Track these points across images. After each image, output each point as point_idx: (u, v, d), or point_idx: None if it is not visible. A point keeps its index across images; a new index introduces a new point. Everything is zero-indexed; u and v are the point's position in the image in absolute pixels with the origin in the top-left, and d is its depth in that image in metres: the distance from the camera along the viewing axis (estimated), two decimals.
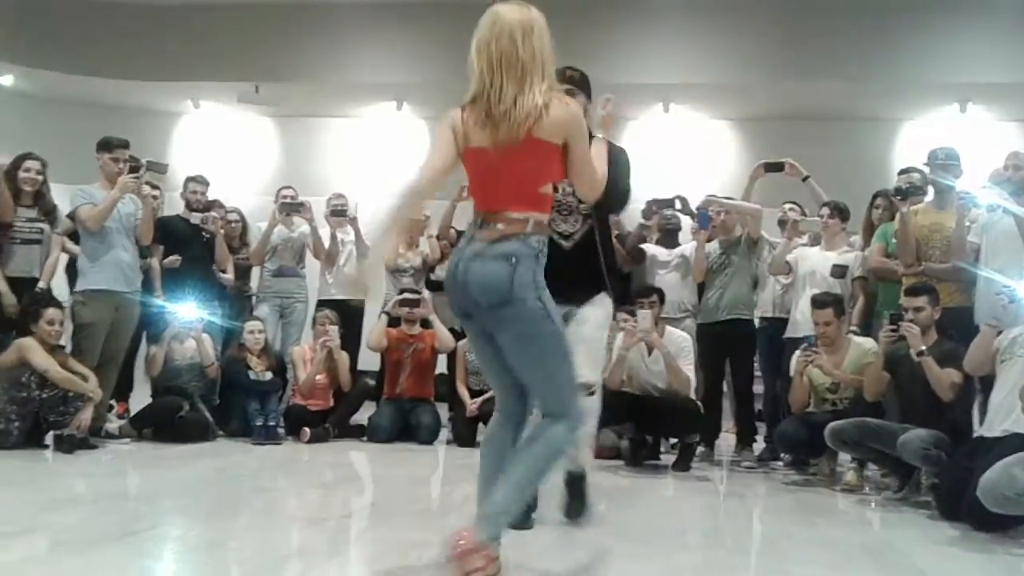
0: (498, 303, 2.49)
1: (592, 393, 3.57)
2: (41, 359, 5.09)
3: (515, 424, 2.71)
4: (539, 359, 2.56)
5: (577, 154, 2.60)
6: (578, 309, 3.55)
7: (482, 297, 2.51)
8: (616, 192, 3.56)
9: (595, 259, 3.64)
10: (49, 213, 5.84)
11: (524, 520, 3.28)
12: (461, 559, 2.36)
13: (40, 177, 5.76)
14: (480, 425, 6.40)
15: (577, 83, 3.59)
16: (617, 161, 3.56)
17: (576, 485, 3.60)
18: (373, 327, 6.70)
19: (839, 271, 5.71)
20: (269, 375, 6.26)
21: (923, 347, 4.52)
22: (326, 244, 7.04)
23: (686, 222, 6.55)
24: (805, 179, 6.18)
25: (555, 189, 3.51)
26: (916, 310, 4.69)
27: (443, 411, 6.63)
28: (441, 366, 6.98)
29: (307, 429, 6.01)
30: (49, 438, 5.23)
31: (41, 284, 5.72)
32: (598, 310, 3.59)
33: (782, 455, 5.79)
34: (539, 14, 2.61)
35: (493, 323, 2.55)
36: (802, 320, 5.65)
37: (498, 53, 2.54)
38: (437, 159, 2.62)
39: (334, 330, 6.37)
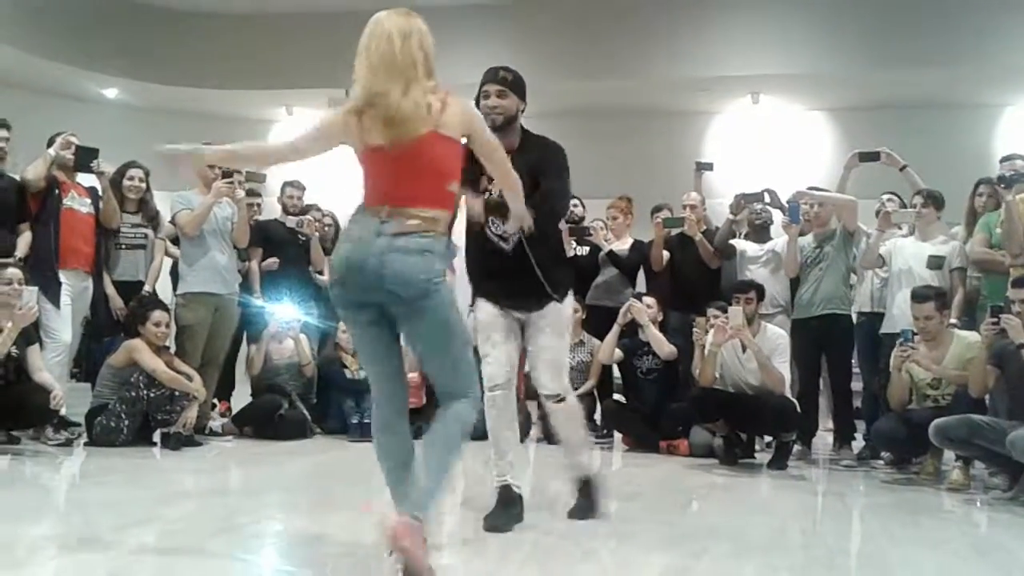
0: (416, 296, 2.56)
1: (561, 400, 3.66)
2: (149, 360, 5.28)
3: (398, 410, 2.79)
4: (449, 346, 2.67)
5: (489, 144, 2.74)
6: (530, 317, 3.63)
7: (402, 290, 2.55)
8: (550, 193, 3.61)
9: (541, 259, 3.61)
10: (153, 219, 6.07)
11: (507, 522, 3.44)
12: (401, 543, 2.43)
13: (143, 185, 6.00)
14: None
15: (510, 84, 3.60)
16: (551, 160, 3.66)
17: (586, 488, 3.71)
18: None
19: (936, 262, 5.51)
20: (364, 373, 6.36)
21: None
22: None
23: (777, 216, 6.42)
24: (903, 169, 6.01)
25: (488, 191, 3.57)
26: (1023, 302, 4.50)
27: (532, 409, 6.64)
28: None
29: None
30: (157, 436, 5.44)
31: (147, 287, 5.95)
32: (554, 317, 3.64)
33: (883, 454, 5.63)
34: (419, 20, 2.71)
35: (406, 313, 2.61)
36: (899, 315, 5.48)
37: (377, 55, 2.63)
38: (305, 139, 2.80)
39: None
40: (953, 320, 5.27)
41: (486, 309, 3.67)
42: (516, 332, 3.70)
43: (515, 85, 3.64)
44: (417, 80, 2.62)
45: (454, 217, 2.86)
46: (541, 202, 3.63)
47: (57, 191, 5.53)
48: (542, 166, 3.67)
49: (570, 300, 3.75)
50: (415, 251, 2.56)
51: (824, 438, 6.14)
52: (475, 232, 3.66)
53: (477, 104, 3.59)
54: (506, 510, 3.55)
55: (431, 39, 2.71)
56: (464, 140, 2.74)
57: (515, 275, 3.59)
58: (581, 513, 3.65)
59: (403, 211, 2.59)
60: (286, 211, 6.96)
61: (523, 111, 3.67)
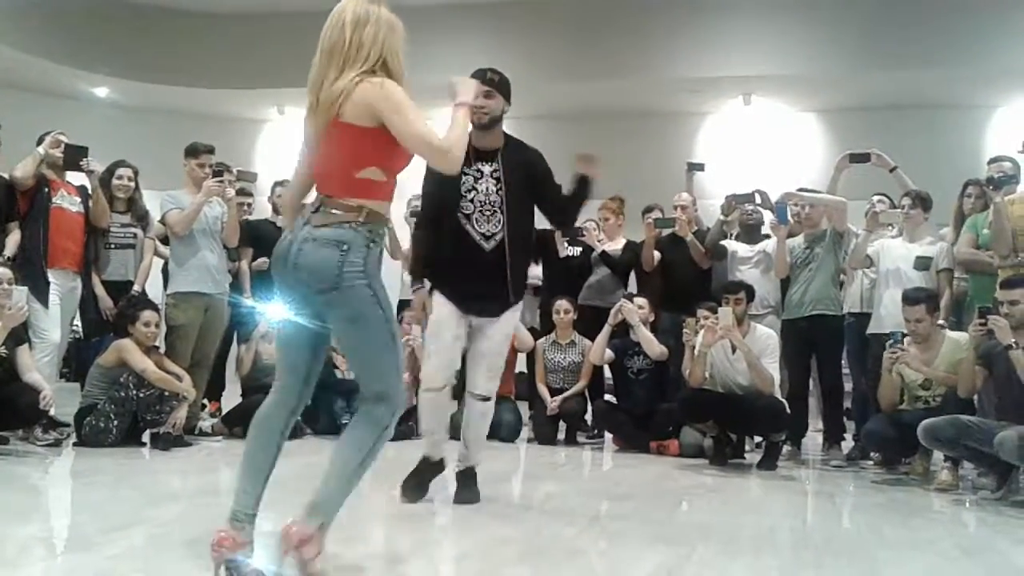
0: (327, 288, 2.51)
1: (488, 399, 3.86)
2: (139, 360, 5.26)
3: (290, 410, 2.76)
4: (365, 342, 2.59)
5: (396, 128, 2.53)
6: (484, 322, 3.77)
7: (311, 280, 2.52)
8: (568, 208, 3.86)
9: (517, 263, 3.76)
10: (142, 218, 6.06)
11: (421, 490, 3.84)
12: (299, 548, 2.48)
13: (132, 184, 5.99)
14: (560, 423, 6.42)
15: (496, 85, 3.70)
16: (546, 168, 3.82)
17: (467, 477, 3.96)
18: None
19: (923, 263, 5.54)
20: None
21: (1012, 340, 4.35)
22: (405, 245, 7.12)
23: (767, 217, 6.44)
24: (893, 170, 6.04)
25: (473, 189, 3.68)
26: (1012, 303, 4.53)
27: (523, 409, 6.66)
28: (520, 365, 7.00)
29: None
30: (146, 436, 5.42)
31: (136, 287, 5.93)
32: (505, 327, 3.82)
33: (872, 454, 5.65)
34: (383, 11, 2.66)
35: (320, 306, 2.58)
36: (886, 315, 5.50)
37: (328, 42, 2.63)
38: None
39: (417, 330, 6.44)
40: (940, 321, 5.30)
41: (443, 307, 3.75)
42: (464, 336, 3.82)
43: (501, 86, 3.73)
44: (355, 68, 2.56)
45: None
46: (558, 214, 3.89)
47: (46, 190, 5.51)
48: (539, 173, 3.78)
49: (517, 314, 3.94)
50: (327, 243, 2.50)
51: (814, 438, 6.16)
52: (453, 227, 3.70)
53: None
54: (469, 486, 3.88)
55: (391, 31, 2.66)
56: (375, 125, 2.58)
57: (486, 277, 3.68)
58: (469, 499, 3.86)
59: (328, 200, 2.56)
60: (276, 211, 6.94)
61: (507, 112, 3.76)
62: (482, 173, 3.73)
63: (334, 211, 2.53)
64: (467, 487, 3.93)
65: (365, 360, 2.63)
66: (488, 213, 3.70)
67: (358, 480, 2.63)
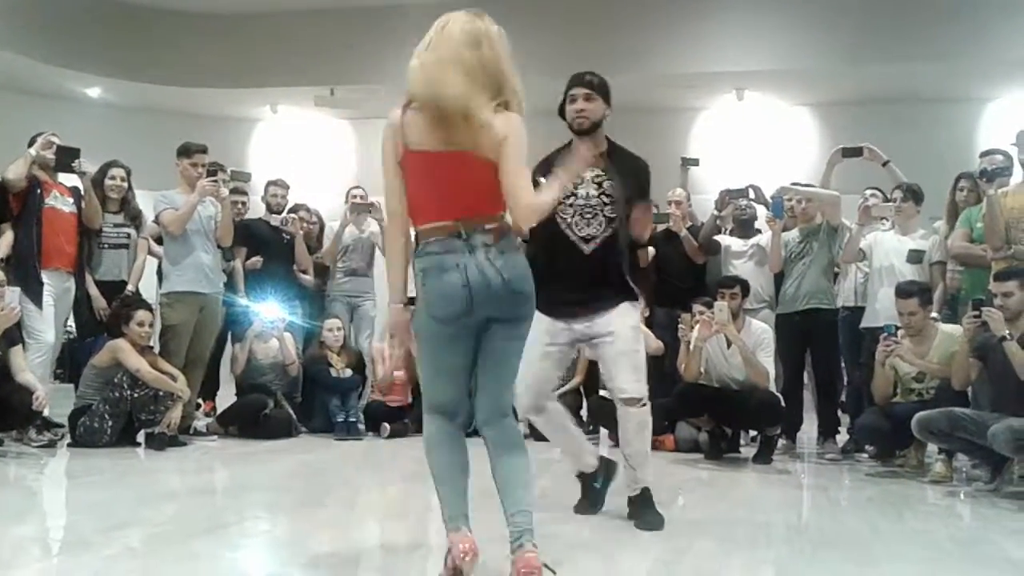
0: (530, 293, 2.51)
1: (641, 402, 3.55)
2: (133, 360, 5.26)
3: (462, 424, 2.64)
4: (518, 355, 2.60)
5: (510, 163, 2.47)
6: (600, 321, 3.51)
7: (526, 287, 2.50)
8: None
9: (616, 263, 3.58)
10: (135, 218, 6.05)
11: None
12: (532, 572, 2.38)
13: (125, 184, 5.98)
14: None
15: (596, 88, 3.60)
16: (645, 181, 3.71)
17: (643, 500, 3.60)
18: None
19: (915, 256, 5.55)
20: (349, 372, 6.37)
21: (1006, 332, 4.36)
22: None
23: (761, 211, 6.45)
24: (885, 164, 6.04)
25: (573, 195, 3.52)
26: (1005, 295, 4.53)
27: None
28: None
29: (387, 425, 6.10)
30: (141, 436, 5.42)
31: (130, 287, 5.92)
32: (627, 320, 3.55)
33: (866, 447, 5.66)
34: (492, 25, 2.58)
35: (510, 319, 2.52)
36: (880, 309, 5.51)
37: (452, 57, 2.49)
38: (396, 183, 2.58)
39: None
40: (934, 314, 5.31)
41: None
42: (558, 353, 3.67)
43: (601, 89, 3.61)
44: (483, 87, 2.49)
45: None
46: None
47: (39, 191, 5.50)
48: (640, 184, 3.68)
49: (635, 309, 3.72)
50: (514, 251, 2.52)
51: (809, 432, 6.17)
52: (550, 234, 3.48)
53: (562, 109, 3.59)
54: (647, 509, 3.57)
55: (504, 43, 2.58)
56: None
57: (593, 273, 3.56)
58: (653, 524, 3.49)
59: (475, 220, 2.48)
60: (270, 210, 6.94)
61: (608, 116, 3.63)
62: (583, 178, 3.55)
63: (487, 225, 2.49)
64: (646, 511, 3.54)
65: (510, 374, 2.60)
66: (588, 216, 3.54)
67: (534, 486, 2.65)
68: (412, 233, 2.59)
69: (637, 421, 3.56)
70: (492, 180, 2.49)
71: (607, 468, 3.76)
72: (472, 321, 2.51)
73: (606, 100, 3.62)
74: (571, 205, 3.55)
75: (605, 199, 3.55)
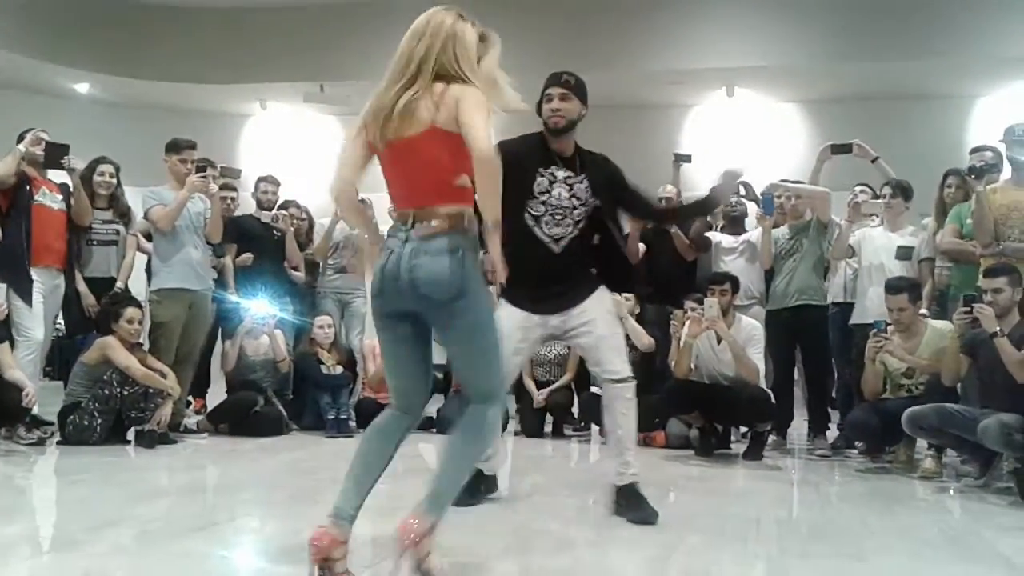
0: (451, 297, 2.48)
1: (630, 379, 3.63)
2: (122, 357, 5.24)
3: (410, 421, 2.71)
4: (482, 346, 2.59)
5: (472, 124, 2.47)
6: (574, 312, 3.59)
7: (435, 292, 2.48)
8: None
9: (585, 261, 3.67)
10: (124, 215, 6.02)
11: (471, 497, 3.56)
12: (416, 546, 2.45)
13: (114, 180, 5.95)
14: (547, 416, 6.42)
15: (573, 88, 3.64)
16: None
17: (632, 493, 3.59)
18: None
19: (904, 253, 5.58)
20: (340, 369, 6.36)
21: (997, 328, 4.38)
22: None
23: (751, 208, 6.46)
24: (874, 160, 6.07)
25: (547, 192, 3.58)
26: (995, 291, 4.55)
27: (509, 402, 6.66)
28: None
29: None
30: (130, 434, 5.40)
31: (119, 284, 5.90)
32: (601, 305, 3.63)
33: (856, 443, 5.68)
34: (461, 24, 2.62)
35: (442, 318, 2.54)
36: (869, 305, 5.53)
37: (406, 51, 2.59)
38: (348, 165, 2.66)
39: None
40: (923, 311, 5.33)
41: (507, 319, 3.53)
42: (528, 348, 3.75)
43: (578, 89, 3.65)
44: (421, 77, 2.54)
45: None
46: (654, 216, 4.15)
47: (28, 187, 5.47)
48: (620, 183, 3.76)
49: (607, 294, 3.77)
50: (441, 252, 2.48)
51: (799, 428, 6.19)
52: (519, 229, 3.51)
53: (539, 108, 3.60)
54: (638, 502, 3.57)
55: (469, 45, 2.61)
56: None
57: (562, 268, 3.62)
58: (645, 518, 3.49)
59: (425, 212, 2.52)
60: (261, 206, 6.92)
61: (584, 115, 3.67)
62: (556, 177, 3.61)
63: (433, 221, 2.51)
64: (639, 504, 3.53)
65: (479, 363, 2.61)
66: (559, 217, 3.58)
67: (468, 476, 2.67)
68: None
69: (625, 398, 3.61)
70: (444, 166, 2.51)
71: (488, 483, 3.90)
72: (386, 308, 2.57)
73: (582, 100, 3.66)
74: (544, 203, 3.60)
75: (576, 202, 3.61)
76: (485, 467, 3.81)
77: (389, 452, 2.68)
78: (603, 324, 3.60)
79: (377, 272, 2.58)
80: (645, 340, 5.96)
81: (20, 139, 5.53)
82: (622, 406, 3.62)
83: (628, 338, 5.95)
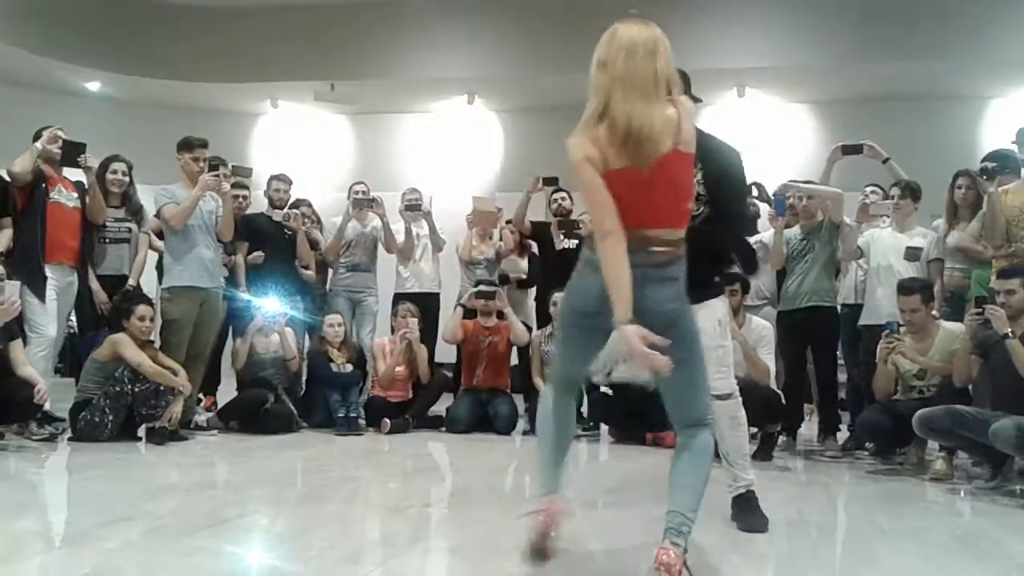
0: (667, 325, 2.43)
1: (730, 397, 3.50)
2: (134, 354, 5.26)
3: (576, 396, 2.90)
4: (694, 371, 2.59)
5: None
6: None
7: (654, 320, 2.40)
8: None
9: (709, 253, 3.35)
10: (136, 213, 6.05)
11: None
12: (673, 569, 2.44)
13: (127, 178, 5.97)
14: None
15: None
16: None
17: (746, 501, 3.55)
18: (449, 320, 6.77)
19: (913, 254, 5.56)
20: (350, 367, 6.37)
21: (1009, 329, 4.36)
22: (400, 238, 7.12)
23: (764, 208, 6.44)
24: (885, 161, 6.04)
25: None
26: (1008, 293, 4.53)
27: (518, 402, 6.66)
28: (513, 358, 6.99)
29: (387, 420, 6.10)
30: (141, 431, 5.42)
31: (131, 282, 5.92)
32: (712, 314, 3.43)
33: (867, 444, 5.66)
34: (662, 33, 2.64)
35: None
36: (878, 306, 5.52)
37: (650, 70, 2.53)
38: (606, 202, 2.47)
39: (414, 323, 6.44)
40: (934, 312, 5.31)
41: None
42: None
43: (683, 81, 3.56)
44: (663, 94, 2.52)
45: None
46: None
47: (44, 185, 5.50)
48: (734, 174, 3.68)
49: (722, 305, 3.64)
50: (666, 280, 2.48)
51: (810, 429, 6.17)
52: None
53: None
54: (751, 510, 3.52)
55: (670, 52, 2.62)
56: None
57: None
58: (756, 526, 3.45)
59: (648, 238, 2.46)
60: (272, 204, 6.93)
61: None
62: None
63: (659, 248, 2.47)
64: (751, 513, 3.48)
65: (693, 388, 2.64)
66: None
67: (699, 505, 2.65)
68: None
69: (729, 416, 3.50)
70: (680, 190, 2.53)
71: None
72: (599, 324, 2.47)
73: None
74: None
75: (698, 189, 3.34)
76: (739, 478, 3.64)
77: (573, 428, 2.91)
78: (707, 336, 3.29)
79: (594, 290, 2.48)
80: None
81: (37, 137, 5.55)
82: (725, 425, 3.47)
83: None
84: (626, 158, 2.45)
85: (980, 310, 4.58)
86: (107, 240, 5.91)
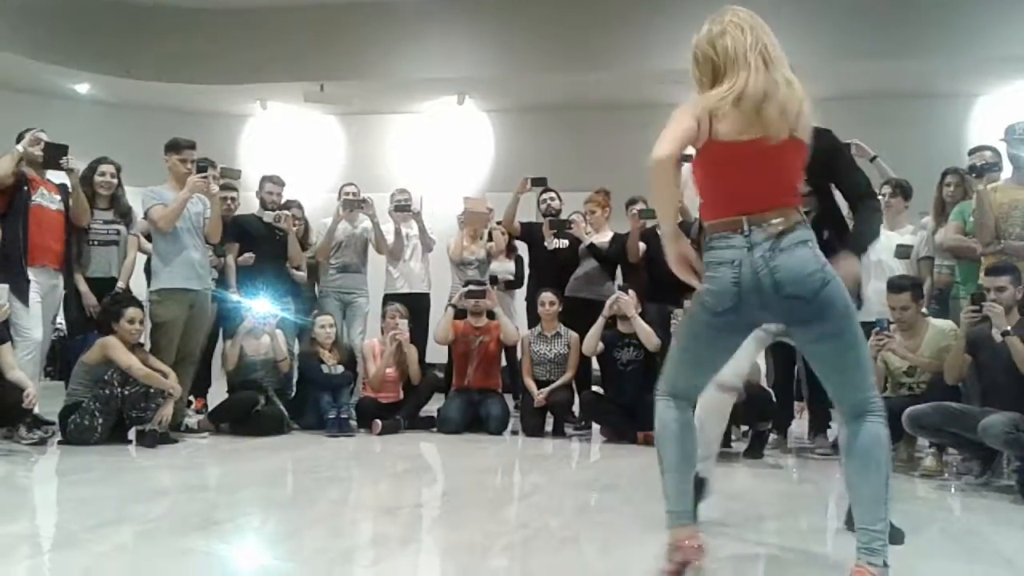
0: (818, 288, 2.36)
1: (734, 391, 3.47)
2: (123, 357, 5.24)
3: (692, 406, 2.70)
4: (855, 344, 2.45)
5: None
6: None
7: (800, 288, 2.36)
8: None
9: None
10: (125, 215, 6.02)
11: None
12: None
13: (115, 181, 5.95)
14: (547, 415, 6.42)
15: None
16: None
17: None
18: (440, 320, 6.76)
19: (903, 251, 5.58)
20: (341, 369, 6.36)
21: (1008, 327, 4.38)
22: (390, 239, 7.12)
23: None
24: (873, 159, 6.06)
25: None
26: (998, 290, 4.56)
27: (509, 401, 6.66)
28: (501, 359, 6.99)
29: (378, 421, 6.09)
30: (132, 434, 5.40)
31: (120, 284, 5.90)
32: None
33: None
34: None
35: (809, 317, 2.41)
36: (869, 304, 5.52)
37: (754, 42, 2.65)
38: (681, 137, 2.56)
39: (404, 324, 6.43)
40: (923, 309, 5.34)
41: None
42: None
43: None
44: (787, 72, 2.64)
45: None
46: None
47: (26, 188, 5.47)
48: (838, 158, 3.69)
49: None
50: (795, 244, 2.39)
51: (800, 426, 6.19)
52: None
53: None
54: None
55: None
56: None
57: None
58: None
59: (765, 214, 2.43)
60: (264, 206, 6.92)
61: None
62: None
63: (775, 219, 2.41)
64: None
65: (857, 367, 2.47)
66: None
67: (887, 503, 2.52)
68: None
69: (720, 410, 3.52)
70: (792, 167, 2.50)
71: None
72: (741, 320, 2.46)
73: None
74: None
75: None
76: (700, 468, 3.67)
77: (696, 442, 2.67)
78: None
79: (726, 286, 2.44)
80: (654, 340, 5.97)
81: (19, 139, 5.53)
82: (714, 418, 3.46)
83: (636, 336, 5.99)
84: (755, 130, 2.48)
85: (978, 307, 4.60)
86: (96, 242, 5.89)
